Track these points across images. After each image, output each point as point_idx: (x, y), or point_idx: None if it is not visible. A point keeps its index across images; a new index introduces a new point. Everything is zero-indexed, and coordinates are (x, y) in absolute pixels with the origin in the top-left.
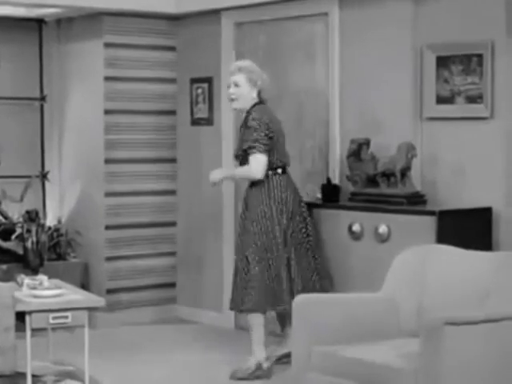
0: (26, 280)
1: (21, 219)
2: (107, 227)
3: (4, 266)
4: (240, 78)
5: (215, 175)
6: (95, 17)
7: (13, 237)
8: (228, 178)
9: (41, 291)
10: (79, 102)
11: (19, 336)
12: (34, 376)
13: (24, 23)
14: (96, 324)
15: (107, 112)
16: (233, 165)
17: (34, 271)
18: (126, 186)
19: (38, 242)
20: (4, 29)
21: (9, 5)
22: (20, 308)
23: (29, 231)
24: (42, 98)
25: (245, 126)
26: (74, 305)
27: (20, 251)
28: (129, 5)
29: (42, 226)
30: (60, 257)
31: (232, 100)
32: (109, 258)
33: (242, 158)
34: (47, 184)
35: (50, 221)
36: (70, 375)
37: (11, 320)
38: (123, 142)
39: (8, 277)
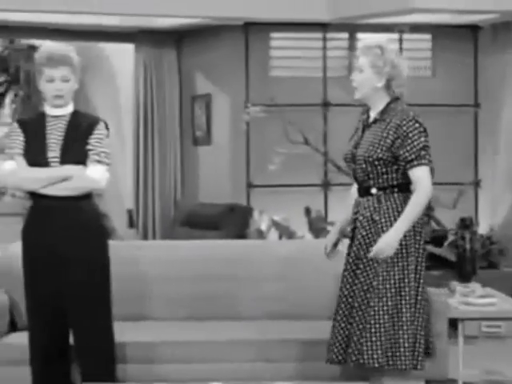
0: (459, 287)
1: (453, 226)
2: None
3: (436, 272)
4: (363, 62)
5: (390, 251)
6: None
7: (445, 243)
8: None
9: (473, 299)
10: None
11: (451, 342)
12: (464, 383)
13: (459, 30)
14: None
15: None
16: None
17: (466, 279)
18: None
19: (471, 249)
20: (439, 36)
21: (444, 12)
22: (452, 315)
23: (463, 238)
24: (476, 105)
25: (394, 129)
26: (508, 314)
27: (452, 258)
28: None
29: (475, 233)
30: (492, 265)
31: (354, 88)
32: None
33: (372, 167)
34: (480, 191)
35: (483, 228)
36: None
37: (443, 326)
38: None
39: (440, 283)
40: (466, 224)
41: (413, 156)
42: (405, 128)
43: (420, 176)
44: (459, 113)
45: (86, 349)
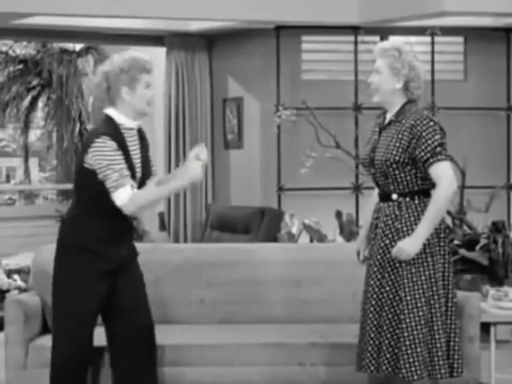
0: (491, 291)
1: (486, 230)
2: None
3: (468, 276)
4: (381, 64)
5: (413, 250)
6: None
7: (477, 247)
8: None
9: (506, 303)
10: None
11: (483, 347)
12: None
13: (491, 33)
14: None
15: None
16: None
17: (498, 282)
18: None
19: (503, 253)
20: (472, 39)
21: (475, 15)
22: (485, 319)
23: (495, 242)
24: (509, 108)
25: (409, 130)
26: None
27: (484, 262)
28: None
29: (507, 237)
30: None
31: (373, 91)
32: None
33: (390, 169)
34: None
35: None
36: None
37: (476, 330)
38: None
39: (472, 287)
40: (498, 228)
41: (428, 155)
42: (419, 128)
43: (438, 172)
44: (491, 116)
45: None
